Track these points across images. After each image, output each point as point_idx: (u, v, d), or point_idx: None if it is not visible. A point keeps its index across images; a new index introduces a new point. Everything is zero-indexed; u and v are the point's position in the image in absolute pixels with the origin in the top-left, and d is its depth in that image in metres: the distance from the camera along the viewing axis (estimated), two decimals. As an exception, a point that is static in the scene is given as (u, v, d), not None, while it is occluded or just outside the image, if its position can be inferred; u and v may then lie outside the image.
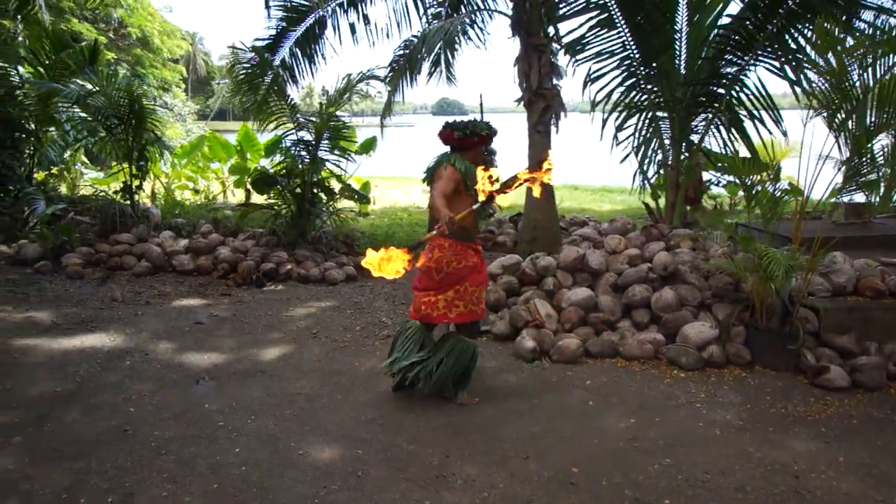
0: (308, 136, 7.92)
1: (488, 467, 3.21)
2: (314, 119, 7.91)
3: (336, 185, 8.44)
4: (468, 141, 3.93)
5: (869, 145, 4.24)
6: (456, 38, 9.73)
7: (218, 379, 4.31)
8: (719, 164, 5.76)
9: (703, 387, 4.22)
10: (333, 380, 4.32)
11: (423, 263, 3.85)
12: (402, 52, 9.48)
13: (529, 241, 8.21)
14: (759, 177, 4.90)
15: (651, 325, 4.93)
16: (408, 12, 8.40)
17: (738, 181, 5.11)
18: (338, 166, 8.29)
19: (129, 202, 8.04)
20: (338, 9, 8.13)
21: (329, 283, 6.93)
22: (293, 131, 7.98)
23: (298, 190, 7.85)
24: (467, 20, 9.71)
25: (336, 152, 8.11)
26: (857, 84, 4.55)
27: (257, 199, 9.24)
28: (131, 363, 4.55)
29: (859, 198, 5.74)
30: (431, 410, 3.85)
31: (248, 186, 10.90)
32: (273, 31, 8.13)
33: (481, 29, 9.81)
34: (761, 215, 4.81)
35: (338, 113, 8.08)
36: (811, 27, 5.56)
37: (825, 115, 4.59)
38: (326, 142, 8.06)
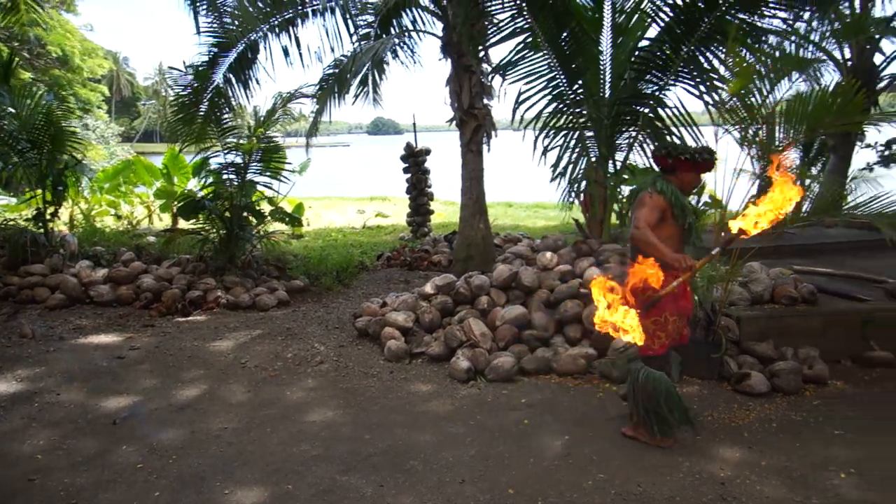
0: (236, 159, 7.73)
1: (423, 495, 3.15)
2: (243, 141, 7.74)
3: (267, 208, 8.25)
4: (678, 163, 3.57)
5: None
6: (384, 59, 9.74)
7: (138, 417, 4.08)
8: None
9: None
10: (263, 412, 4.17)
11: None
12: (331, 70, 9.42)
13: (464, 259, 8.24)
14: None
15: (583, 340, 5.00)
16: (339, 33, 8.35)
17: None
18: (269, 188, 8.12)
19: (42, 230, 7.60)
20: (269, 33, 8.00)
21: (260, 309, 6.73)
22: (220, 153, 7.78)
23: (227, 214, 7.62)
24: (397, 41, 9.75)
25: (268, 174, 7.95)
26: (766, 102, 4.81)
27: (186, 224, 8.92)
28: (40, 405, 4.25)
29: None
30: (368, 438, 3.76)
31: (176, 211, 10.52)
32: (206, 58, 7.92)
33: (412, 50, 9.88)
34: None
35: (271, 133, 7.94)
36: (723, 49, 5.85)
37: (737, 131, 4.82)
38: (257, 164, 7.89)
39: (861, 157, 13.85)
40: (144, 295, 6.71)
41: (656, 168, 3.72)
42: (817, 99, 5.04)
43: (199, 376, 4.80)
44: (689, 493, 3.13)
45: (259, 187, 8.05)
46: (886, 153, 13.72)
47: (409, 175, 11.75)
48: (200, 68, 7.86)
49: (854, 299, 5.20)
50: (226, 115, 8.27)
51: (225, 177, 7.73)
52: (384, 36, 9.31)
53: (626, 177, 6.76)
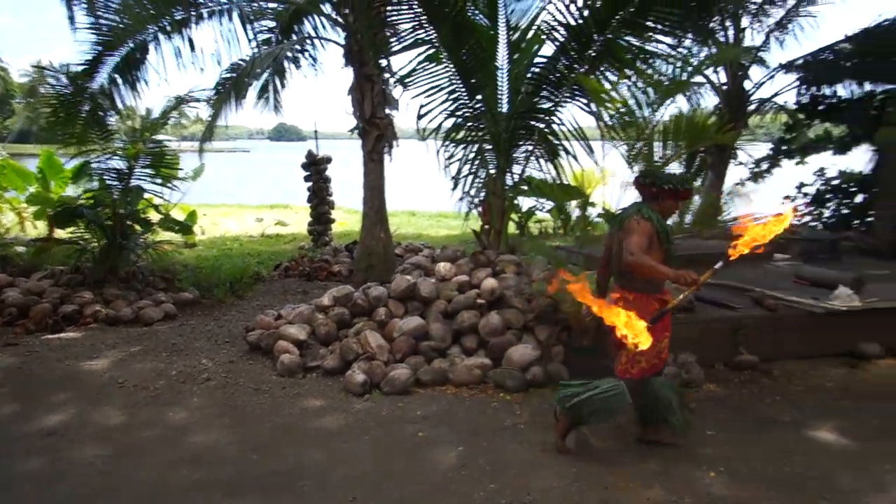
0: (121, 164, 7.25)
1: (312, 516, 3.05)
2: (127, 145, 7.27)
3: (155, 216, 7.79)
4: (661, 192, 3.67)
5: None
6: (285, 65, 9.49)
7: (-6, 447, 3.70)
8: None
9: (528, 407, 4.39)
10: (141, 435, 3.89)
11: (608, 317, 3.37)
12: (228, 75, 9.07)
13: (365, 269, 8.15)
14: (574, 203, 5.29)
15: (479, 350, 5.06)
16: (237, 37, 8.03)
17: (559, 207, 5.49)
18: (158, 195, 7.67)
19: None
20: (160, 34, 7.57)
21: (144, 323, 6.32)
22: (102, 158, 7.26)
23: (109, 222, 7.11)
24: (298, 48, 9.52)
25: (157, 180, 7.50)
26: (649, 121, 5.09)
27: (63, 233, 8.25)
28: None
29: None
30: (256, 458, 3.60)
31: (51, 219, 9.71)
32: (89, 56, 7.37)
33: (313, 57, 9.70)
34: (574, 239, 5.18)
35: (162, 137, 7.51)
36: (613, 70, 6.16)
37: (624, 147, 5.08)
38: (144, 169, 7.43)
39: (735, 173, 15.03)
40: (9, 311, 6.12)
41: (638, 194, 3.87)
42: (695, 119, 5.41)
43: (69, 399, 4.42)
44: (575, 500, 3.22)
45: (148, 194, 7.58)
46: (756, 170, 14.95)
47: (310, 183, 11.51)
48: (82, 67, 7.32)
49: (726, 307, 5.59)
50: (111, 118, 7.75)
51: (108, 183, 7.22)
52: (285, 42, 9.09)
53: (524, 188, 6.96)
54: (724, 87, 12.86)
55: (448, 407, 4.39)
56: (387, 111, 8.65)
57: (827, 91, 12.58)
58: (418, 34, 6.35)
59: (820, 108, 13.12)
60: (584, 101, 6.38)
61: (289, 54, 9.34)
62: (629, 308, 3.40)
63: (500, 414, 4.30)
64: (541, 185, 6.79)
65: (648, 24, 5.90)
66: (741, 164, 14.84)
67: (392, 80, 8.31)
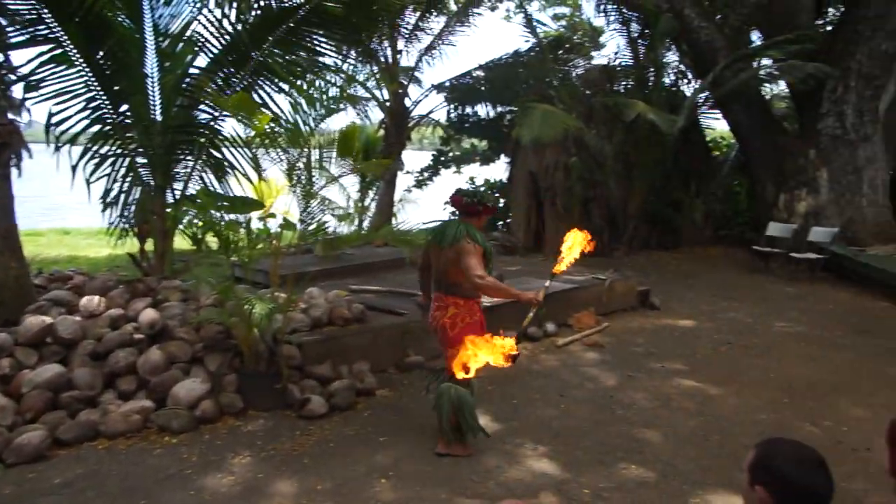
0: None
1: None
2: None
3: None
4: (485, 210, 4.02)
5: (314, 191, 4.84)
6: None
7: None
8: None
9: (197, 448, 4.07)
10: None
11: (438, 321, 3.97)
12: None
13: (-11, 308, 6.66)
14: (256, 214, 5.08)
15: (139, 393, 4.52)
16: None
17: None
18: None
19: None
20: None
21: None
22: None
23: None
24: None
25: None
26: (310, 135, 5.15)
27: None
28: None
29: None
30: None
31: None
32: None
33: None
34: (239, 255, 4.96)
35: None
36: (272, 85, 6.10)
37: (284, 160, 5.06)
38: None
39: (404, 181, 16.36)
40: None
41: (458, 212, 4.14)
42: (352, 135, 5.64)
43: None
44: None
45: None
46: (420, 178, 16.51)
47: None
48: None
49: (395, 314, 6.01)
50: None
51: None
52: None
53: (187, 209, 6.45)
54: (388, 104, 13.88)
55: (98, 465, 3.81)
56: (10, 116, 7.18)
57: (470, 111, 14.52)
58: (39, 29, 5.40)
59: (466, 125, 15.10)
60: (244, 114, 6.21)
61: None
62: (462, 312, 3.91)
63: (163, 461, 3.89)
64: (209, 199, 6.40)
65: (306, 43, 6.00)
66: (408, 172, 16.23)
67: (11, 81, 6.93)
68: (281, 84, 5.84)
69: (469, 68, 13.93)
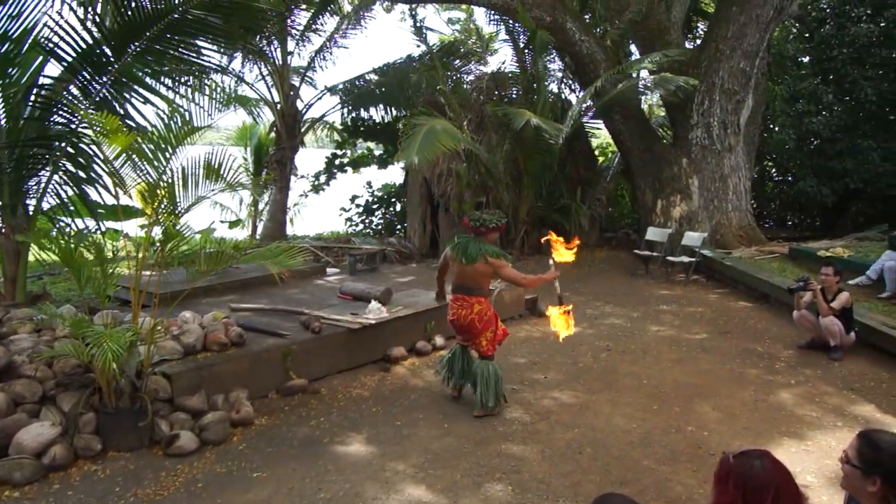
0: None
1: None
2: None
3: None
4: (483, 229, 5.06)
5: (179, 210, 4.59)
6: None
7: None
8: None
9: (43, 501, 3.72)
10: None
11: (466, 318, 5.05)
12: None
13: None
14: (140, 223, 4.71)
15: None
16: None
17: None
18: None
19: None
20: None
21: None
22: None
23: None
24: None
25: None
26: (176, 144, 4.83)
27: None
28: None
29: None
30: None
31: None
32: None
33: None
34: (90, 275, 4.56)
35: None
36: (138, 96, 5.69)
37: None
38: None
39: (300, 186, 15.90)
40: None
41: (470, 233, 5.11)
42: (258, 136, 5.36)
43: None
44: None
45: None
46: (316, 183, 16.14)
47: None
48: None
49: (276, 335, 5.79)
50: None
51: None
52: None
53: (56, 218, 5.91)
54: (278, 106, 13.45)
55: (-77, 533, 3.40)
56: None
57: (365, 114, 14.35)
58: None
59: (361, 128, 14.92)
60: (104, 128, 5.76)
61: None
62: (484, 307, 5.07)
63: (5, 522, 3.53)
64: (85, 207, 5.92)
65: (175, 50, 5.65)
66: (303, 177, 15.82)
67: None
68: (146, 94, 5.45)
69: (364, 71, 13.75)
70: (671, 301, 8.75)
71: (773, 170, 15.30)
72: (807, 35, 13.24)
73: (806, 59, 13.40)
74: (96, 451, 4.24)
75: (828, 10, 12.72)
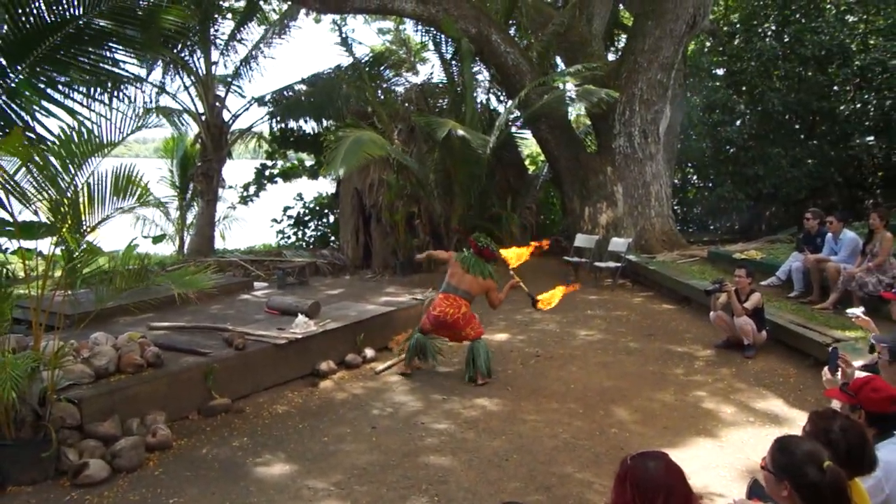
0: None
1: None
2: None
3: None
4: (486, 253, 6.17)
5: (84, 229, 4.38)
6: None
7: None
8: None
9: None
10: None
11: (451, 316, 5.99)
12: None
13: None
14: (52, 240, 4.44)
15: None
16: None
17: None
18: None
19: None
20: None
21: None
22: None
23: None
24: None
25: None
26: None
27: None
28: None
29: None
30: None
31: None
32: None
33: None
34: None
35: None
36: (39, 108, 5.40)
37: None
38: None
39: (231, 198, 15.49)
40: None
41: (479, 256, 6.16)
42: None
43: None
44: None
45: None
46: (245, 194, 15.77)
47: None
48: None
49: (196, 353, 5.58)
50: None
51: None
52: None
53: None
54: (203, 117, 13.08)
55: None
56: None
57: (294, 125, 14.13)
58: None
59: (291, 139, 14.68)
60: None
61: None
62: (468, 311, 6.07)
63: None
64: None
65: (79, 60, 5.39)
66: (231, 187, 15.40)
67: None
68: (49, 106, 5.18)
69: (292, 81, 13.54)
70: (599, 306, 8.97)
71: (694, 176, 15.98)
72: (720, 48, 13.94)
73: (720, 72, 14.10)
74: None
75: (737, 25, 13.43)
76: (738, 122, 13.00)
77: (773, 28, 12.77)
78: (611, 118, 10.79)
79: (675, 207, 13.40)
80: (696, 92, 13.87)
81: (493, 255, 6.21)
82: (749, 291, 6.59)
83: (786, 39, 12.56)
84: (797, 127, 13.09)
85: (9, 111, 5.11)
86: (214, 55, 12.89)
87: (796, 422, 4.76)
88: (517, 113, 11.03)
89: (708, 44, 14.78)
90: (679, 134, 12.71)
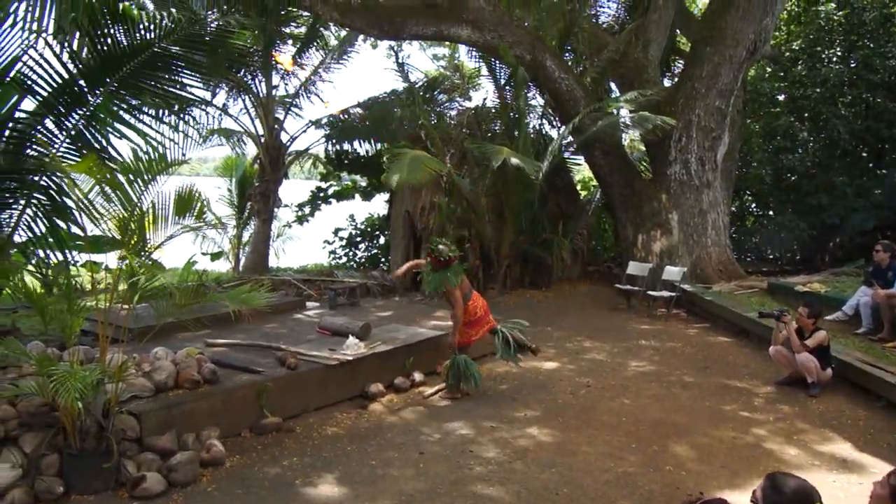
0: None
1: None
2: None
3: None
4: (451, 260, 6.16)
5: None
6: None
7: None
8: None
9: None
10: None
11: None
12: None
13: None
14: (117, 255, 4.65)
15: (-67, 486, 3.93)
16: None
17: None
18: None
19: None
20: None
21: None
22: None
23: None
24: None
25: None
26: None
27: None
28: None
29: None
30: None
31: None
32: None
33: None
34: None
35: None
36: (113, 130, 5.67)
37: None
38: None
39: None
40: None
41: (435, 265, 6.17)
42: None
43: None
44: None
45: None
46: (300, 214, 16.14)
47: None
48: None
49: (251, 372, 5.69)
50: None
51: None
52: None
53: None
54: (263, 140, 13.50)
55: None
56: None
57: (348, 147, 14.44)
58: None
59: (346, 161, 14.98)
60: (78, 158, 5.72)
61: None
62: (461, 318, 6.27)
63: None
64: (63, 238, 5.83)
65: (152, 85, 5.65)
66: (286, 206, 15.80)
67: None
68: (122, 128, 5.44)
69: (349, 105, 13.87)
70: (652, 336, 8.75)
71: (753, 205, 15.53)
72: (781, 74, 13.59)
73: (781, 98, 13.73)
74: (58, 494, 4.11)
75: (800, 51, 13.08)
76: (800, 150, 12.59)
77: (839, 53, 12.37)
78: (666, 144, 10.62)
79: (733, 235, 13.00)
80: (756, 118, 13.53)
81: (442, 263, 6.12)
82: (813, 329, 6.31)
83: (852, 65, 12.14)
84: (864, 155, 12.57)
85: (87, 134, 5.40)
86: (275, 79, 13.33)
87: (868, 468, 4.50)
88: (570, 138, 10.97)
89: (769, 69, 14.43)
90: (738, 161, 12.40)
